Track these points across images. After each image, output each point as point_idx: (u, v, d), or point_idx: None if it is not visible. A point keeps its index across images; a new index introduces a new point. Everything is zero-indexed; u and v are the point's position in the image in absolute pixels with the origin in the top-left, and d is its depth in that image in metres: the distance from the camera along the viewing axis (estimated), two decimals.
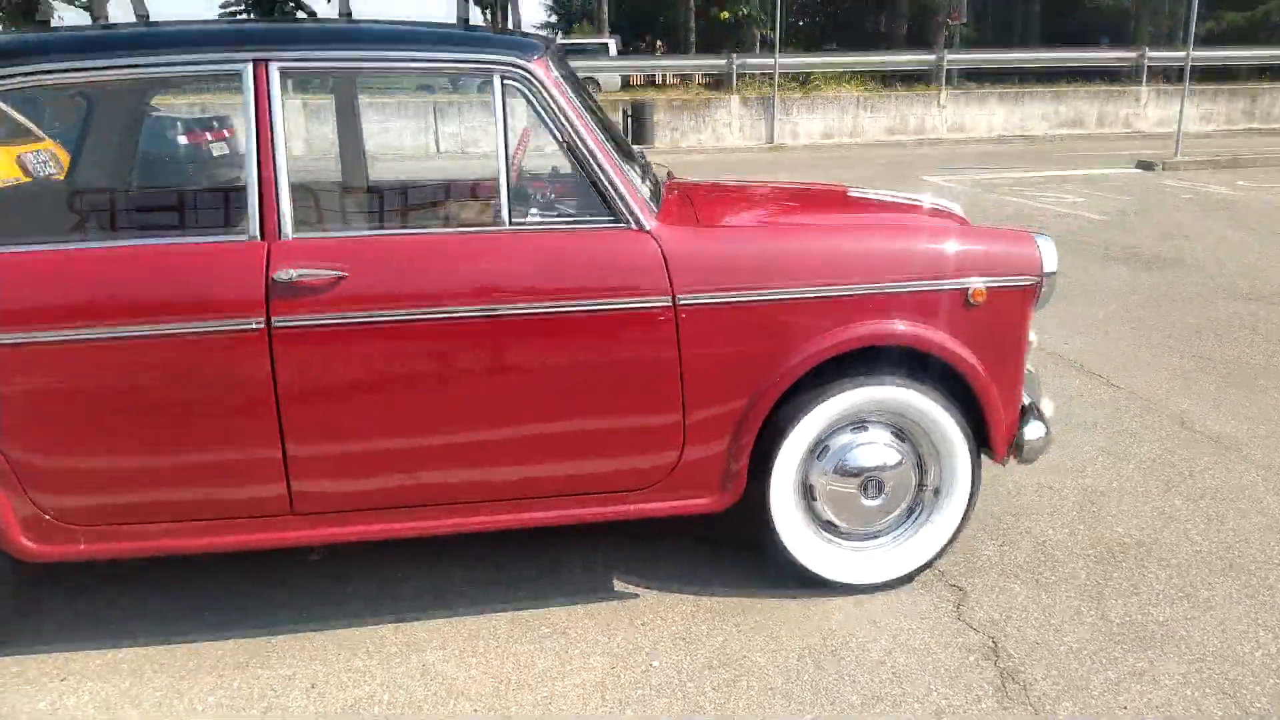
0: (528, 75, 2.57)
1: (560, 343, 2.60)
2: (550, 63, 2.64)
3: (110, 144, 3.35)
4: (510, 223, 2.60)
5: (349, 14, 3.10)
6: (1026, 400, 3.04)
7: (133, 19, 2.81)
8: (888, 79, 20.54)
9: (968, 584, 2.99)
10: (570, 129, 2.59)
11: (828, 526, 2.93)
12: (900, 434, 2.90)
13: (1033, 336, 3.05)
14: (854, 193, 3.57)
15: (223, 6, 28.54)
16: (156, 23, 2.73)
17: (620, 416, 2.69)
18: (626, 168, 2.69)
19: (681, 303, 2.63)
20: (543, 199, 2.94)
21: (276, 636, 2.78)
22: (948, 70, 19.15)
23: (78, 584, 3.04)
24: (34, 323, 2.38)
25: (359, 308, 2.48)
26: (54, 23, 2.90)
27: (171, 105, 13.84)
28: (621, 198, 2.62)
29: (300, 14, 27.60)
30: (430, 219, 3.32)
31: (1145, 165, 13.60)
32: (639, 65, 21.98)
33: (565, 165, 2.73)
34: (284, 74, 2.49)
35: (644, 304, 2.61)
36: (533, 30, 9.19)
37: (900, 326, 2.73)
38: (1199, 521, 3.36)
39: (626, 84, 21.35)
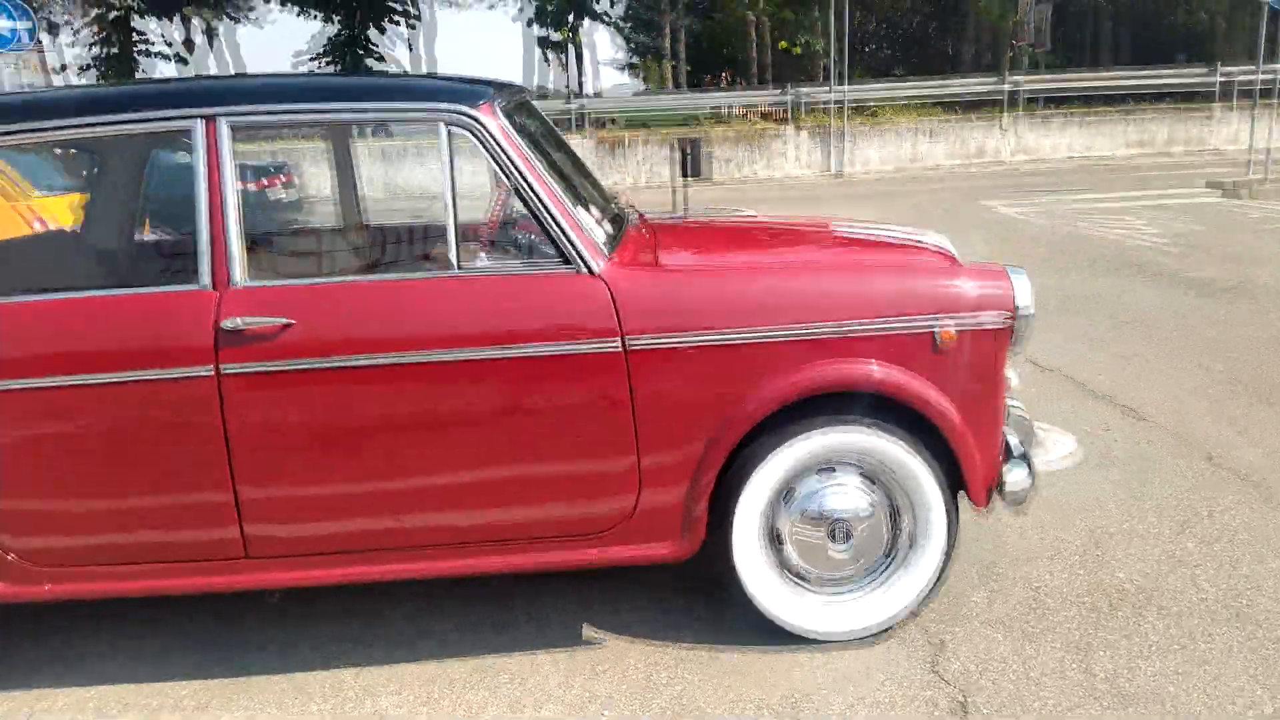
0: (472, 122, 2.58)
1: (507, 387, 2.58)
2: (497, 109, 2.64)
3: (109, 195, 3.48)
4: (459, 268, 2.60)
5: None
6: (1013, 443, 2.92)
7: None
8: (954, 105, 20.22)
9: (948, 634, 2.86)
10: (516, 173, 2.59)
11: (797, 575, 2.84)
12: (870, 479, 2.79)
13: (1013, 377, 2.93)
14: (840, 228, 3.49)
15: (296, 56, 29.66)
16: (118, 82, 2.84)
17: (573, 461, 2.65)
18: (577, 211, 2.67)
19: (631, 345, 2.59)
20: (520, 242, 2.92)
21: (239, 678, 2.80)
22: (1017, 93, 18.77)
23: (50, 624, 3.11)
24: None
25: (303, 355, 2.51)
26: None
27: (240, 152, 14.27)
28: (569, 241, 2.60)
29: (372, 62, 28.44)
30: (388, 264, 3.35)
31: (1220, 187, 13.08)
32: (697, 101, 22.08)
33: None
34: (233, 129, 2.55)
35: (591, 347, 2.58)
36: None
37: (863, 370, 2.64)
38: (1209, 567, 3.16)
39: (691, 120, 21.28)
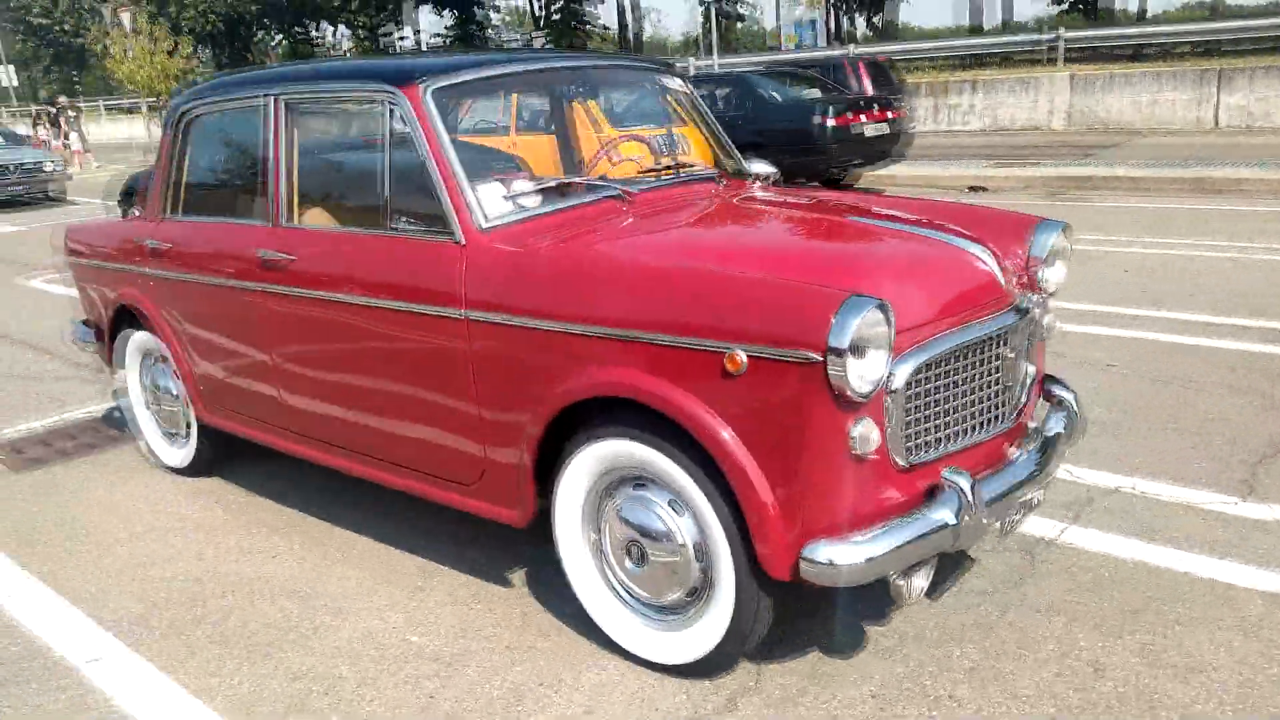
0: (395, 101, 2.98)
1: (392, 332, 3.02)
2: (424, 92, 2.97)
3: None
4: (388, 227, 3.06)
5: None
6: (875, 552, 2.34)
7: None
8: None
9: (761, 682, 2.57)
10: (420, 147, 2.93)
11: (618, 582, 2.76)
12: (680, 506, 2.56)
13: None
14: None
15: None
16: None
17: (433, 410, 3.00)
18: (466, 185, 2.88)
19: (468, 315, 2.79)
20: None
21: None
22: None
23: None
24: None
25: (296, 284, 3.28)
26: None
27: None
28: (445, 212, 2.87)
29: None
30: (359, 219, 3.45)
31: None
32: None
33: None
34: (286, 105, 3.38)
35: (439, 311, 2.86)
36: None
37: (647, 381, 2.47)
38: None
39: None
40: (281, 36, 51.59)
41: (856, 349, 2.21)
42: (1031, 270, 3.01)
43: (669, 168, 3.54)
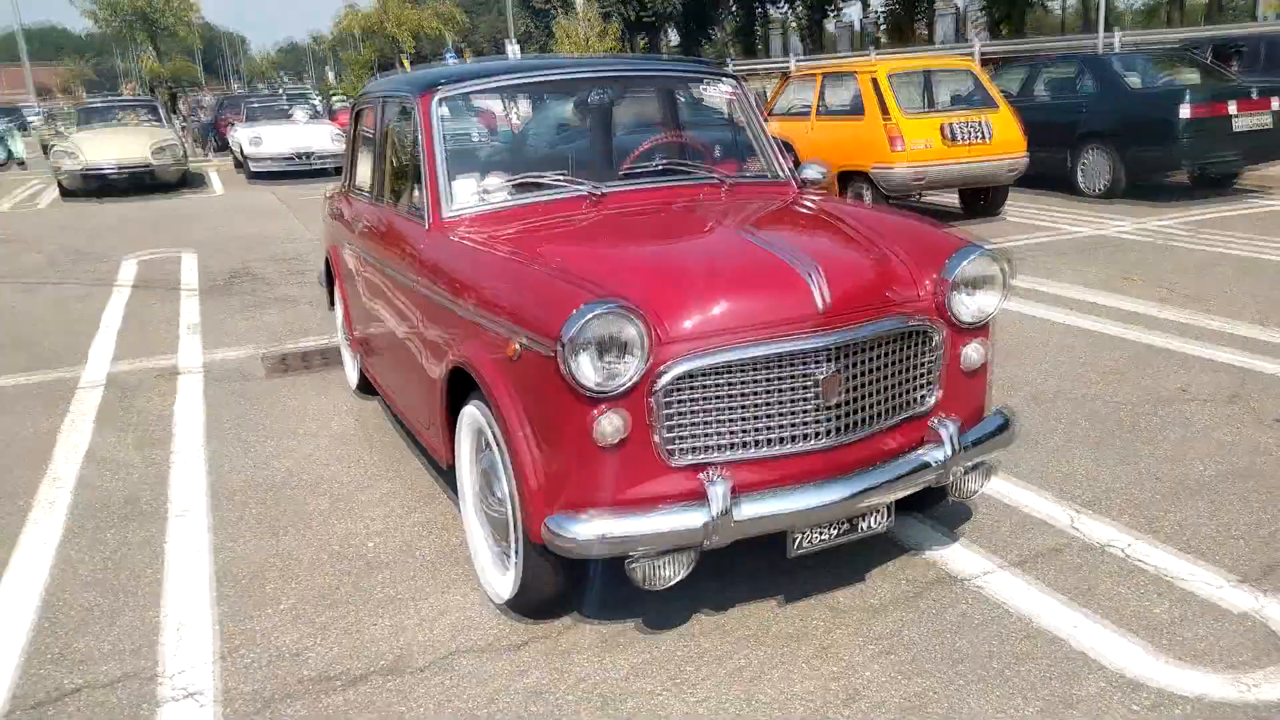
0: (411, 105, 3.61)
1: (398, 298, 3.73)
2: (437, 99, 3.56)
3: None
4: (409, 208, 3.73)
5: None
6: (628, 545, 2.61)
7: None
8: None
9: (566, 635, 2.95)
10: (417, 143, 3.54)
11: (480, 524, 3.21)
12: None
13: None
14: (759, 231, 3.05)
15: None
16: None
17: (416, 366, 3.61)
18: (444, 180, 3.45)
19: (417, 288, 3.40)
20: None
21: None
22: None
23: None
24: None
25: (359, 241, 4.13)
26: None
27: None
28: (425, 200, 3.46)
29: None
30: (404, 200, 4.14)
31: None
32: None
33: None
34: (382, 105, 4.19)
35: (407, 277, 3.49)
36: None
37: (478, 359, 2.90)
38: None
39: None
40: (735, 17, 54.32)
41: (586, 347, 2.46)
42: (939, 296, 2.90)
43: (666, 167, 3.73)
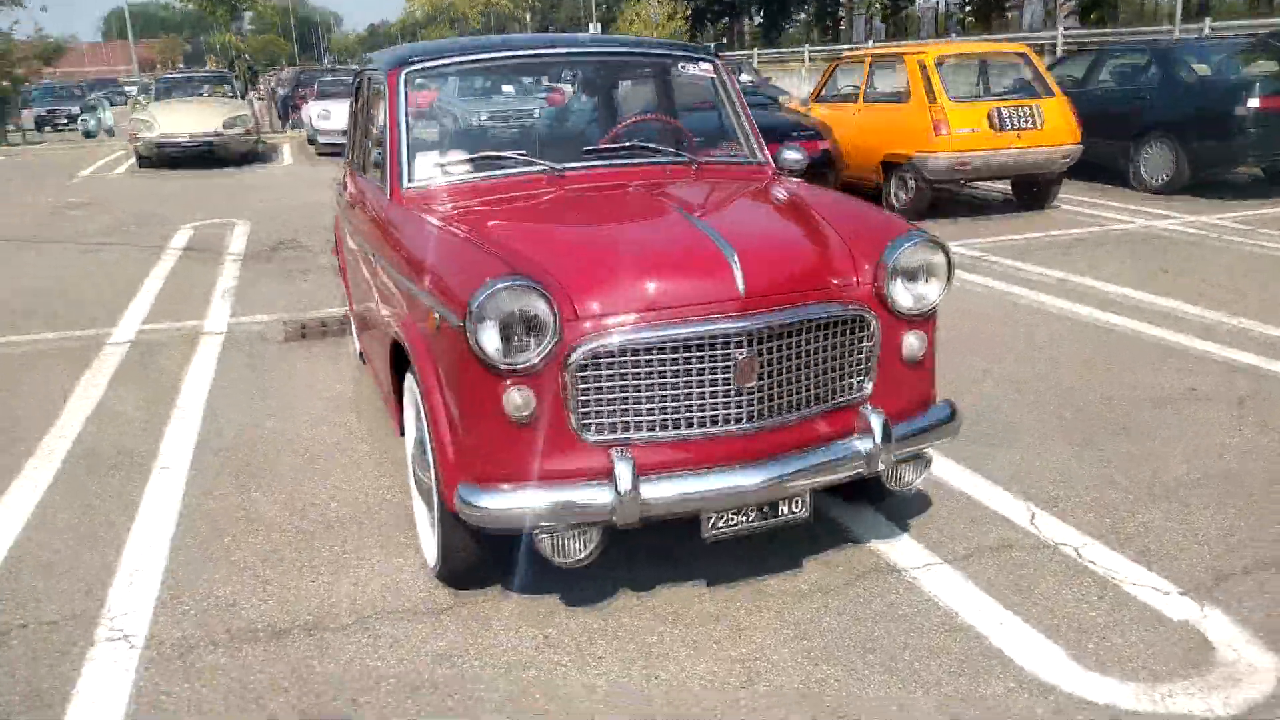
0: (380, 80, 3.66)
1: (365, 259, 3.78)
2: (404, 75, 3.60)
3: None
4: (380, 179, 3.78)
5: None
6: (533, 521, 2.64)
7: None
8: None
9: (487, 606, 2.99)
10: (383, 117, 3.59)
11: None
12: None
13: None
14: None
15: None
16: None
17: (377, 332, 3.67)
18: (405, 155, 3.48)
19: (376, 257, 3.46)
20: None
21: None
22: None
23: None
24: None
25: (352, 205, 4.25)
26: None
27: None
28: (388, 173, 3.51)
29: None
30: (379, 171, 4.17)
31: None
32: None
33: None
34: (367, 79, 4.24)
35: (370, 250, 3.57)
36: None
37: (409, 331, 2.96)
38: None
39: None
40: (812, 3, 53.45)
41: (493, 320, 2.49)
42: (878, 283, 2.85)
43: (632, 147, 3.69)
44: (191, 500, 3.79)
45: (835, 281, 2.82)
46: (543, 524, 2.62)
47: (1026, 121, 9.05)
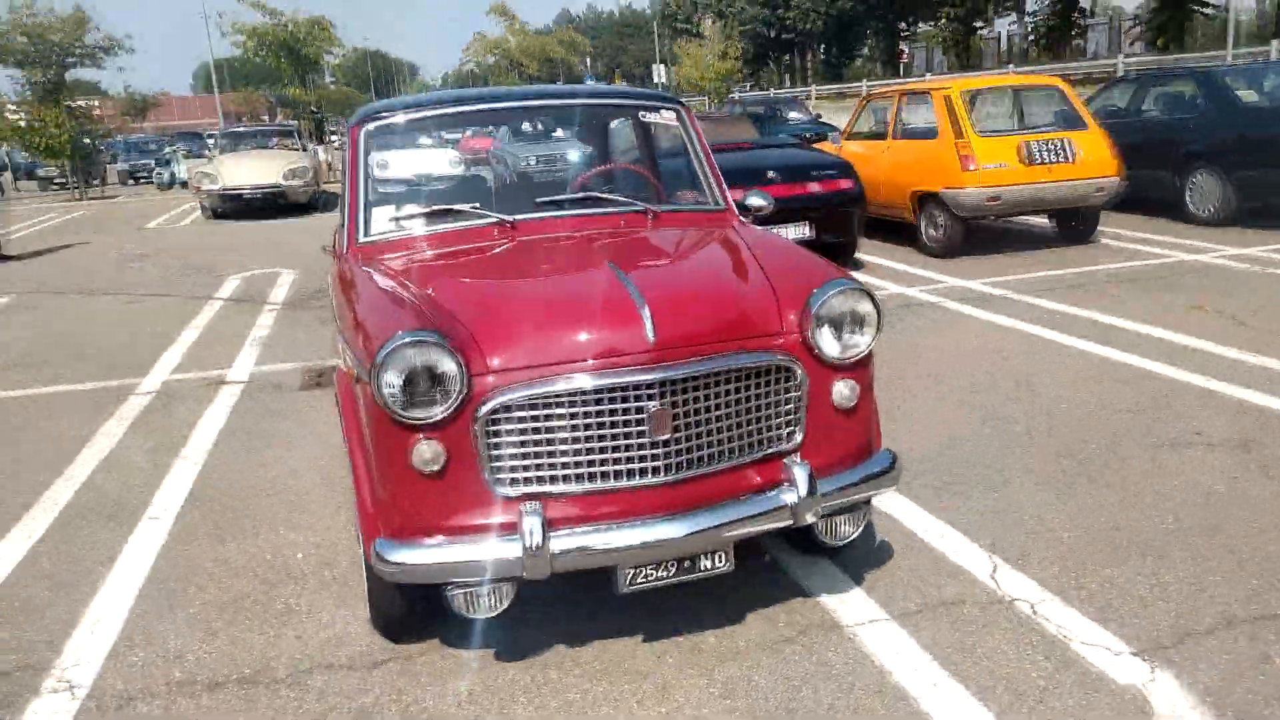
0: (347, 134, 3.76)
1: (331, 295, 3.83)
2: (365, 130, 3.70)
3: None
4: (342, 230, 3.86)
5: None
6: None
7: None
8: None
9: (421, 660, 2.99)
10: (343, 170, 3.69)
11: None
12: None
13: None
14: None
15: None
16: None
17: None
18: (360, 209, 3.57)
19: (332, 304, 3.55)
20: None
21: None
22: None
23: None
24: None
25: None
26: None
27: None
28: (345, 227, 3.60)
29: None
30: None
31: None
32: None
33: None
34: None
35: (333, 296, 3.65)
36: None
37: (339, 379, 3.04)
38: None
39: None
40: (875, 37, 53.32)
41: (395, 374, 2.52)
42: (804, 331, 2.81)
43: (586, 198, 3.72)
44: (170, 550, 3.89)
45: (758, 330, 2.79)
46: (454, 579, 2.63)
47: (1058, 155, 8.85)
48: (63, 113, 23.48)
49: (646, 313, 2.64)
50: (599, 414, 2.62)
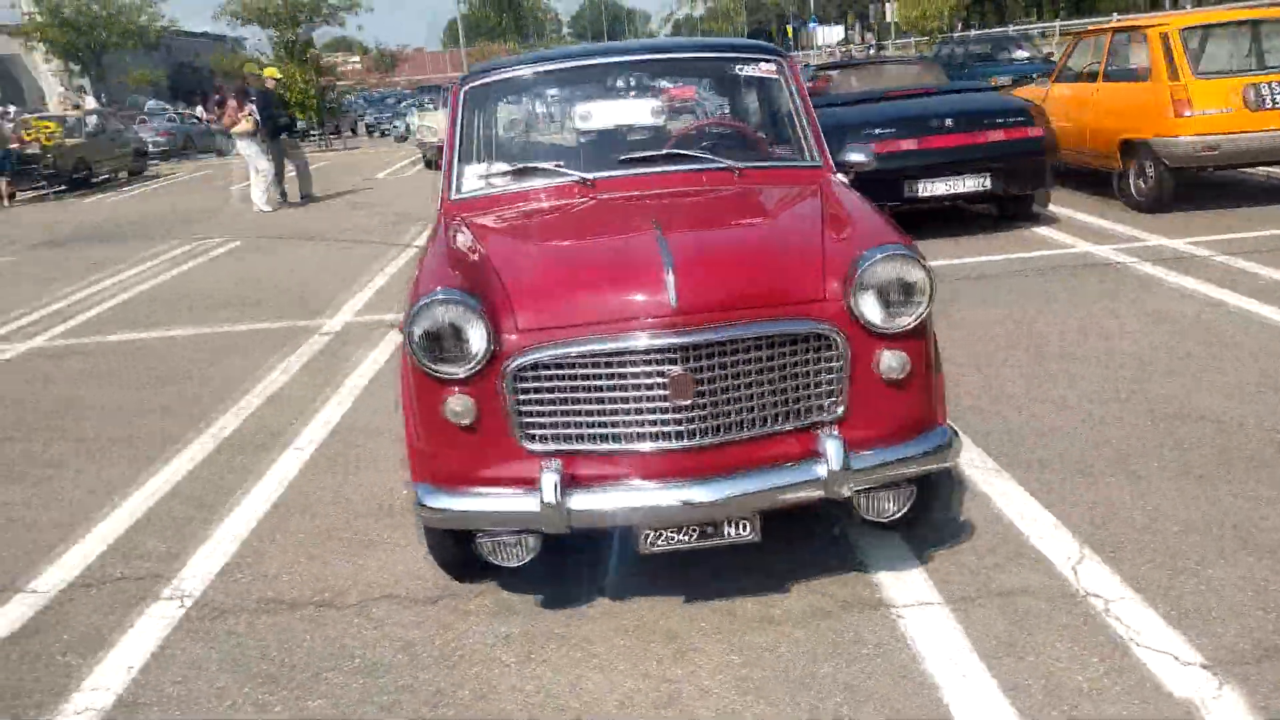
0: (458, 91, 3.90)
1: None
2: (464, 88, 3.83)
3: None
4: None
5: None
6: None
7: None
8: None
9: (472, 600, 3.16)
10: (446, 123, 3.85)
11: None
12: None
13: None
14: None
15: None
16: None
17: None
18: (457, 163, 3.71)
19: None
20: None
21: None
22: None
23: None
24: None
25: None
26: None
27: None
28: (441, 185, 3.76)
29: None
30: None
31: None
32: None
33: None
34: None
35: None
36: None
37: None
38: None
39: None
40: None
41: (424, 332, 2.65)
42: (847, 297, 2.70)
43: (669, 154, 3.66)
44: (299, 480, 4.28)
45: (795, 297, 2.69)
46: (479, 527, 2.75)
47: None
48: (310, 70, 25.54)
49: (671, 277, 2.62)
50: (620, 377, 2.63)
